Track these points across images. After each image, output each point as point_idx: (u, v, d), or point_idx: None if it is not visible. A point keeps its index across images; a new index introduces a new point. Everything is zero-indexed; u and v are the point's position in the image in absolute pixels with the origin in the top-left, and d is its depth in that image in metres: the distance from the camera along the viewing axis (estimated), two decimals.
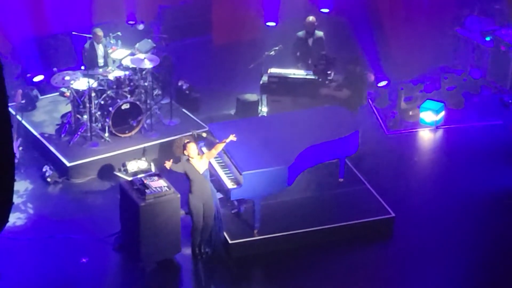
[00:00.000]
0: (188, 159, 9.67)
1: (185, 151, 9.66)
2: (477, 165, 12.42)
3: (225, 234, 10.22)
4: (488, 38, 15.08)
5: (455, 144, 13.18)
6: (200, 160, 9.72)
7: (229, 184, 10.05)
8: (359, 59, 12.62)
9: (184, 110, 13.35)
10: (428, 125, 13.57)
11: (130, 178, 10.26)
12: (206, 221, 9.89)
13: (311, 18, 13.62)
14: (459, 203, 11.46)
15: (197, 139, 10.86)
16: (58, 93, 13.02)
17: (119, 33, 13.58)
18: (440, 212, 11.26)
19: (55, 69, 13.59)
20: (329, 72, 12.86)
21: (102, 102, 12.22)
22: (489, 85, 14.77)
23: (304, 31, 13.59)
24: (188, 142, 9.76)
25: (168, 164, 9.64)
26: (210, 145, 10.32)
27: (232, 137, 9.85)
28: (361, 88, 12.60)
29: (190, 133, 11.61)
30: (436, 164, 12.78)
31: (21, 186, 11.47)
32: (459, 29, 15.74)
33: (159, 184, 9.82)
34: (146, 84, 12.65)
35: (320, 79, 12.77)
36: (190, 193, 9.73)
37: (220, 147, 9.91)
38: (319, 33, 13.53)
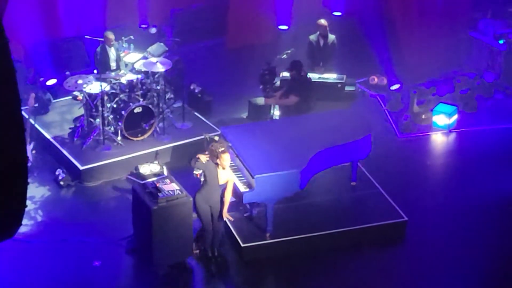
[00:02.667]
0: (216, 164, 9.56)
1: (218, 160, 9.50)
2: (490, 169, 12.35)
3: (237, 237, 10.22)
4: (501, 41, 15.03)
5: (468, 148, 13.13)
6: (224, 171, 9.62)
7: (242, 188, 10.04)
8: (301, 63, 12.42)
9: (196, 113, 13.37)
10: (441, 128, 13.52)
11: (142, 182, 10.27)
12: (215, 223, 9.85)
13: (323, 21, 13.61)
14: (472, 206, 11.40)
15: (210, 143, 10.85)
16: (71, 97, 13.07)
17: (131, 36, 13.63)
18: (453, 216, 11.21)
19: (67, 72, 13.63)
20: (274, 81, 12.84)
21: (115, 106, 12.24)
22: (503, 88, 14.71)
23: (316, 34, 13.59)
24: (223, 152, 9.50)
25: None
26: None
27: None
28: (308, 92, 12.39)
29: (203, 136, 11.62)
30: (449, 167, 12.72)
31: (34, 190, 11.49)
32: (472, 32, 15.69)
33: (171, 187, 9.82)
34: (158, 87, 12.66)
35: (267, 90, 12.72)
36: (198, 192, 9.65)
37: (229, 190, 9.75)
38: (332, 37, 13.53)
